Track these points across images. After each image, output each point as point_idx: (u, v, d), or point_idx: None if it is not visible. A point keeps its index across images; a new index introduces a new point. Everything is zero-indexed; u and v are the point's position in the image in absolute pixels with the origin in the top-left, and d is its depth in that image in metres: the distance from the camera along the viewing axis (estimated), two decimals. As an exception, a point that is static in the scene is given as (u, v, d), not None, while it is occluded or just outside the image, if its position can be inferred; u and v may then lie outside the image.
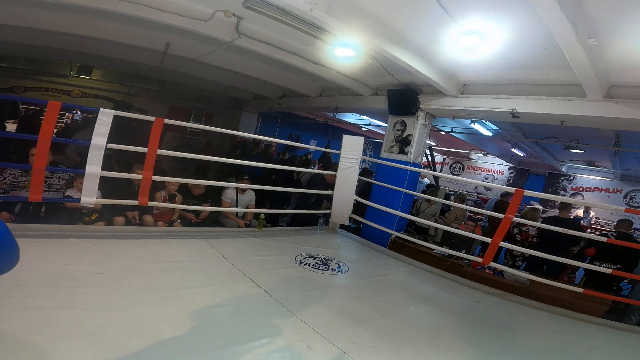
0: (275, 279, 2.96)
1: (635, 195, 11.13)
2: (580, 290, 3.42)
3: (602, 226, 10.16)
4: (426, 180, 7.68)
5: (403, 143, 5.15)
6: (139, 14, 4.05)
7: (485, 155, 13.18)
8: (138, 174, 3.33)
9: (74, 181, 3.41)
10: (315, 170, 5.72)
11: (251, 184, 4.66)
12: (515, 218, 3.74)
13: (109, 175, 3.11)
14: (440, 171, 14.44)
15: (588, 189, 11.98)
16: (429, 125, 5.40)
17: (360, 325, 2.43)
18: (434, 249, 4.64)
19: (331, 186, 4.90)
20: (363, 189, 5.52)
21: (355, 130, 10.80)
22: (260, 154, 8.37)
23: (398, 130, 5.27)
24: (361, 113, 8.21)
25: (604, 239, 3.76)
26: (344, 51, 4.26)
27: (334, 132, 10.57)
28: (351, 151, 4.57)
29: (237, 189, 4.66)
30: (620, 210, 5.61)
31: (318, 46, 4.41)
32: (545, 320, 3.10)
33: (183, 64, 6.35)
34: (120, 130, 3.23)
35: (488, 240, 3.74)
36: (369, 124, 9.80)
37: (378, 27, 3.59)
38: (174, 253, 3.05)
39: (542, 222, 4.78)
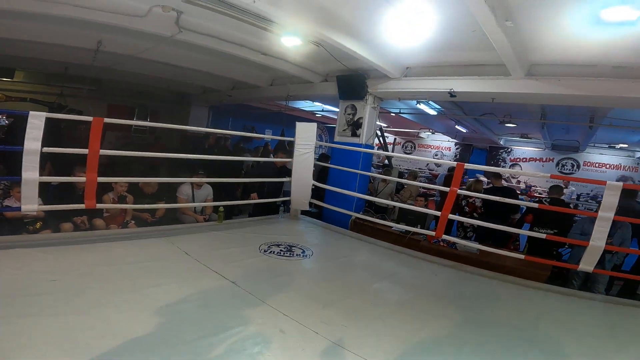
0: (241, 269, 2.99)
1: (565, 162, 12.42)
2: (522, 256, 3.72)
3: (539, 194, 11.25)
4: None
5: (355, 126, 5.33)
6: (66, 14, 3.76)
7: (433, 133, 13.95)
8: (81, 176, 3.15)
9: (11, 190, 3.15)
10: (265, 159, 5.71)
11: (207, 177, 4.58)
12: (460, 191, 4.05)
13: (49, 180, 2.92)
14: (392, 151, 15.07)
15: (524, 160, 13.17)
16: (378, 107, 5.62)
17: (329, 306, 2.55)
18: (392, 227, 4.91)
19: (281, 172, 4.96)
20: (320, 174, 5.66)
21: (310, 117, 10.85)
22: (212, 146, 8.17)
23: (349, 114, 5.44)
24: (313, 100, 8.30)
25: (536, 205, 4.17)
26: (291, 40, 4.26)
27: (289, 121, 10.59)
28: (305, 137, 4.65)
29: (192, 184, 4.57)
30: (546, 177, 6.21)
31: (265, 36, 4.36)
32: (495, 289, 3.35)
33: (119, 61, 5.97)
34: (52, 134, 3.01)
35: (438, 213, 4.04)
36: (322, 110, 9.93)
37: (321, 15, 3.64)
38: (132, 254, 2.96)
39: (483, 193, 5.29)
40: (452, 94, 4.56)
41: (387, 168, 6.38)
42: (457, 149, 14.55)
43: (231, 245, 3.63)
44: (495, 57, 3.80)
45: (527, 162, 13.07)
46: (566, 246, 4.74)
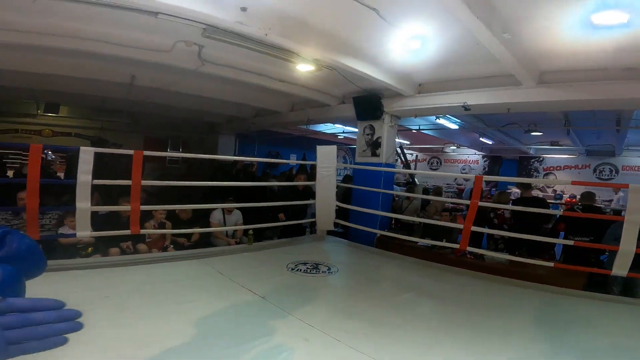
0: (270, 286, 3.16)
1: (603, 168, 11.85)
2: (552, 264, 3.67)
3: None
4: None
5: (374, 146, 5.51)
6: (101, 51, 4.20)
7: (458, 147, 13.80)
8: (126, 205, 3.51)
9: (64, 219, 3.56)
10: (287, 183, 5.95)
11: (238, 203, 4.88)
12: (483, 203, 4.06)
13: (98, 209, 3.29)
14: (415, 168, 14.99)
15: (558, 168, 12.67)
16: (396, 126, 5.79)
17: (352, 316, 2.64)
18: (417, 242, 4.94)
19: (305, 195, 5.16)
20: (345, 194, 5.82)
21: (332, 139, 11.16)
22: (239, 172, 8.58)
23: (368, 134, 5.63)
24: (332, 122, 8.59)
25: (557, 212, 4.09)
26: (304, 66, 4.58)
27: (312, 144, 10.96)
28: (326, 160, 4.87)
29: (223, 210, 4.87)
30: (567, 183, 6.02)
31: (281, 64, 4.68)
32: (526, 297, 3.30)
33: (151, 94, 6.54)
34: (97, 166, 3.37)
35: (461, 226, 4.06)
36: (343, 132, 10.20)
37: (331, 42, 3.93)
38: (171, 273, 3.24)
39: (511, 204, 5.22)
40: (466, 108, 4.66)
41: (410, 185, 6.43)
42: (485, 161, 14.26)
43: (260, 265, 3.83)
44: (504, 68, 3.91)
45: (562, 170, 12.55)
46: (606, 253, 4.50)
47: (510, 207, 4.45)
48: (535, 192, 10.90)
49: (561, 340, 2.44)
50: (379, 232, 5.08)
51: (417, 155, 15.31)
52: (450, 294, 3.35)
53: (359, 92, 5.59)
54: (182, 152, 10.40)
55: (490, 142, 11.58)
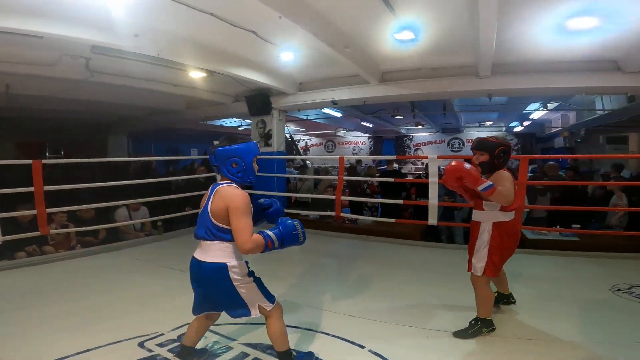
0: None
1: (454, 142, 14.97)
2: (393, 220, 4.85)
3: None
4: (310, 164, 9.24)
5: (266, 137, 6.41)
6: None
7: (347, 131, 15.66)
8: (26, 211, 3.73)
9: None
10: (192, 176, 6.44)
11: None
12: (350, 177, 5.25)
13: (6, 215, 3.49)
14: (309, 152, 16.64)
15: (424, 144, 15.52)
16: (284, 119, 6.78)
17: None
18: (309, 215, 6.04)
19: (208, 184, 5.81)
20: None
21: (233, 131, 11.64)
22: (139, 171, 8.54)
23: (260, 127, 6.50)
24: (228, 118, 9.16)
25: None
26: (197, 73, 5.18)
27: (213, 138, 11.30)
28: None
29: (128, 207, 5.16)
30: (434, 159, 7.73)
31: (174, 71, 5.15)
32: (384, 249, 4.50)
33: (31, 101, 6.20)
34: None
35: (333, 197, 5.07)
36: (241, 125, 10.82)
37: (219, 55, 4.64)
38: (85, 265, 3.73)
39: (378, 176, 6.70)
40: (334, 102, 5.87)
41: (302, 168, 7.53)
42: (370, 142, 16.48)
43: (174, 248, 4.45)
44: (362, 68, 4.92)
45: (426, 146, 15.42)
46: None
47: (374, 179, 5.86)
48: (409, 167, 13.37)
49: (403, 276, 3.49)
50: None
51: (306, 142, 16.76)
52: (332, 252, 4.42)
53: (250, 92, 6.35)
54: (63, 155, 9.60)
55: (371, 125, 13.58)
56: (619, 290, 2.89)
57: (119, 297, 2.85)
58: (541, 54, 4.50)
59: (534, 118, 10.19)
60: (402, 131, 15.07)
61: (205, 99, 6.73)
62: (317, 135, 16.52)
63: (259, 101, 6.30)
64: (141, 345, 2.11)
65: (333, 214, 5.53)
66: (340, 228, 5.56)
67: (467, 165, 2.11)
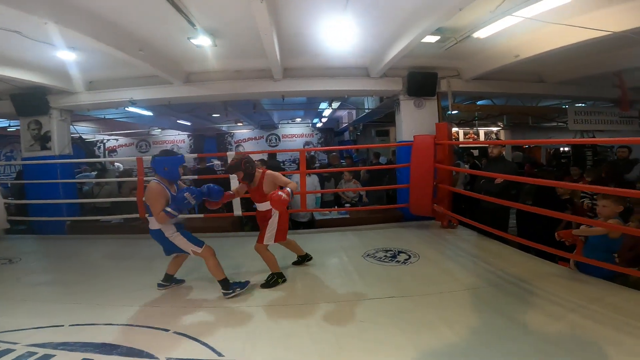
0: None
1: (271, 137, 16.32)
2: (202, 215, 5.38)
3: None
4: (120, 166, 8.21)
5: (43, 140, 5.50)
6: None
7: (162, 129, 14.69)
8: None
9: None
10: None
11: None
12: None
13: None
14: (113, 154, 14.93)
15: (244, 140, 16.28)
16: (69, 119, 5.96)
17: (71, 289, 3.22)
18: (110, 220, 5.62)
19: None
20: (20, 190, 5.56)
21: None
22: None
23: (34, 129, 5.52)
24: None
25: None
26: None
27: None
28: None
29: None
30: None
31: None
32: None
33: None
34: None
35: (134, 199, 5.09)
36: (10, 125, 8.66)
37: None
38: None
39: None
40: (132, 102, 5.63)
41: (100, 172, 6.80)
42: (190, 140, 16.01)
43: None
44: (161, 70, 4.95)
45: (247, 142, 16.25)
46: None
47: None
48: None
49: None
50: (69, 218, 5.36)
51: (104, 141, 14.86)
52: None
53: (18, 89, 5.32)
54: None
55: (189, 124, 13.22)
56: (368, 255, 3.89)
57: None
58: (318, 60, 5.49)
59: (326, 115, 12.34)
60: (223, 129, 15.35)
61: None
62: (126, 135, 14.80)
63: (29, 100, 5.36)
64: None
65: (127, 216, 5.33)
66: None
67: (284, 196, 2.85)
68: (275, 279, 3.13)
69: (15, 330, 2.29)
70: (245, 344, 2.17)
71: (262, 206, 3.18)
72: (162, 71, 5.02)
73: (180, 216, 2.98)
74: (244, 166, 3.07)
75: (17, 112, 5.49)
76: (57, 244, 4.88)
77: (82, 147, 7.22)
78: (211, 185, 2.98)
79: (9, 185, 6.63)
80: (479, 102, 8.98)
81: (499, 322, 2.38)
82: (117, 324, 2.43)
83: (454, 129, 12.76)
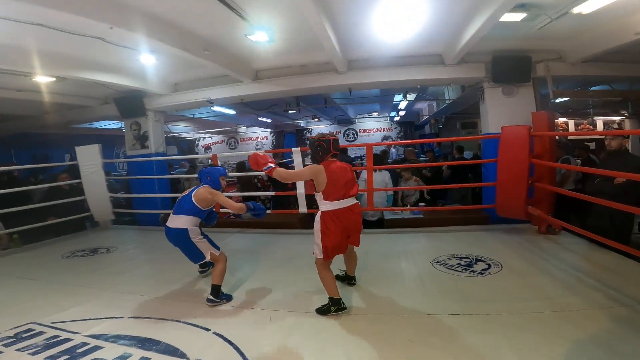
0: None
1: (348, 132, 16.19)
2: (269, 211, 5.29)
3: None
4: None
5: (142, 139, 6.21)
6: None
7: (248, 127, 15.69)
8: None
9: None
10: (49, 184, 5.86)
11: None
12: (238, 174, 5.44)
13: None
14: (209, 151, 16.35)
15: (321, 135, 16.41)
16: (162, 119, 6.61)
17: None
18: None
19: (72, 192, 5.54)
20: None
21: (115, 133, 10.73)
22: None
23: (135, 130, 6.27)
24: (97, 121, 8.52)
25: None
26: (44, 78, 4.81)
27: (88, 142, 10.35)
28: (88, 159, 5.36)
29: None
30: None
31: (14, 77, 4.72)
32: (276, 240, 4.71)
33: None
34: None
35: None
36: (122, 126, 10.05)
37: (66, 61, 4.47)
38: None
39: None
40: (210, 101, 5.98)
41: (190, 168, 7.46)
42: (272, 136, 16.80)
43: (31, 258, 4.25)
44: (230, 68, 5.12)
45: (324, 137, 16.35)
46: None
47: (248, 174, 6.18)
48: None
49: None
50: (162, 212, 5.95)
51: (197, 139, 16.37)
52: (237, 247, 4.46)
53: (119, 94, 6.05)
54: None
55: (269, 121, 13.85)
56: (438, 262, 3.39)
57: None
58: (384, 50, 5.06)
59: (402, 108, 11.62)
60: (301, 124, 15.73)
61: (66, 103, 6.21)
62: (217, 133, 16.21)
63: (130, 103, 6.07)
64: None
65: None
66: (229, 224, 5.65)
67: (261, 153, 2.65)
68: (328, 307, 2.48)
69: (82, 320, 2.49)
70: (274, 351, 2.04)
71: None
72: (231, 70, 5.18)
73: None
74: (314, 148, 2.59)
75: (120, 114, 6.27)
76: (151, 235, 5.39)
77: (176, 144, 8.01)
78: (259, 204, 3.08)
79: (118, 181, 7.69)
80: (593, 88, 7.36)
81: (597, 356, 1.81)
82: (168, 320, 2.48)
83: (562, 119, 10.93)
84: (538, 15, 3.81)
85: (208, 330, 2.30)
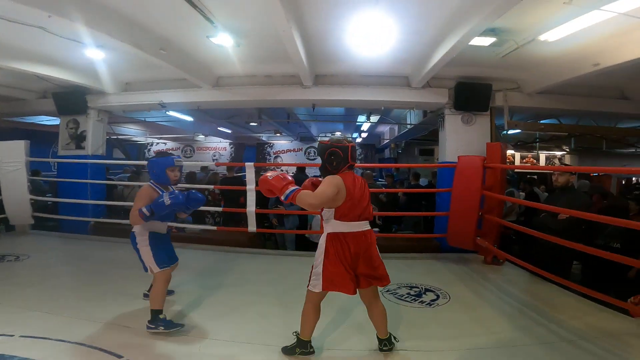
0: None
1: (310, 150, 16.12)
2: (215, 228, 5.02)
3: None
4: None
5: (79, 139, 5.63)
6: None
7: (206, 136, 15.08)
8: None
9: None
10: None
11: None
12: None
13: None
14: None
15: (283, 151, 16.22)
16: (105, 119, 6.07)
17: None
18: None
19: None
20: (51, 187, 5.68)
21: (54, 130, 9.77)
22: None
23: (71, 128, 5.68)
24: (33, 116, 7.71)
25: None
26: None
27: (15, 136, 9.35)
28: (11, 155, 4.70)
29: None
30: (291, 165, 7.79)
31: None
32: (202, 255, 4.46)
33: None
34: None
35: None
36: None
37: (3, 48, 4.03)
38: None
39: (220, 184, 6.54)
40: (162, 105, 5.58)
41: (134, 174, 6.87)
42: (231, 148, 16.29)
43: None
44: (188, 72, 4.78)
45: (286, 153, 16.17)
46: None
47: (206, 186, 5.77)
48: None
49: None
50: (93, 219, 5.36)
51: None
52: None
53: (60, 88, 5.49)
54: None
55: (229, 131, 13.41)
56: (388, 291, 3.22)
57: None
58: (352, 67, 5.00)
59: (364, 129, 11.79)
60: (263, 138, 15.43)
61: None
62: (173, 139, 15.42)
63: (69, 99, 5.53)
64: None
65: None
66: (177, 238, 5.15)
67: (271, 175, 2.05)
68: (294, 346, 2.18)
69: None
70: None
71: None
72: (189, 74, 4.87)
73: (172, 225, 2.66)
74: (327, 156, 2.10)
75: (57, 110, 5.68)
76: (74, 244, 4.83)
77: (120, 148, 7.39)
78: (193, 192, 2.54)
79: (47, 182, 6.88)
80: (542, 121, 7.92)
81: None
82: (70, 342, 2.14)
83: (509, 152, 11.64)
84: (506, 40, 3.90)
85: (120, 357, 1.97)
